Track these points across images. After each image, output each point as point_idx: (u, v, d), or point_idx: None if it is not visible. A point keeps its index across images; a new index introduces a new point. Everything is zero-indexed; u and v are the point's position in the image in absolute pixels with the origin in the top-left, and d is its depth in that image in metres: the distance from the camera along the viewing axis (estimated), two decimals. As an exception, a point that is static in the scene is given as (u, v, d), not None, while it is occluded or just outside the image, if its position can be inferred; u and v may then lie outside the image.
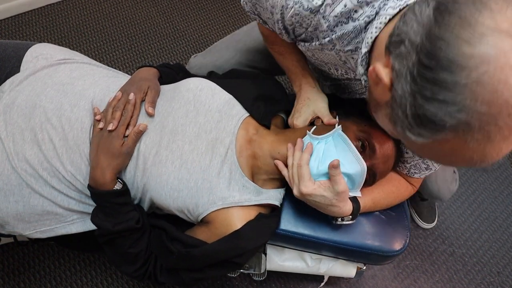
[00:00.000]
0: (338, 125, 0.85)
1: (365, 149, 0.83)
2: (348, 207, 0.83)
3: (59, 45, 1.13)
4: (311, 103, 0.94)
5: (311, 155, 0.82)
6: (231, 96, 0.95)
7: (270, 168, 0.90)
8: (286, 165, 0.86)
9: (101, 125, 0.85)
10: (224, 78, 1.07)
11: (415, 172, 0.94)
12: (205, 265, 0.85)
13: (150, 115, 0.89)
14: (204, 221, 0.87)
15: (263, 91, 0.99)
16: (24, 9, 2.02)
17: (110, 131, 0.84)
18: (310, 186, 0.79)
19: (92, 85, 0.93)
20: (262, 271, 1.16)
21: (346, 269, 1.09)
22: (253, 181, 0.89)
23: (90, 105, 0.89)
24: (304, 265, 1.09)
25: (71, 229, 0.90)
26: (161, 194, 0.85)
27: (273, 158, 0.89)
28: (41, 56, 0.99)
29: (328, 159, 0.78)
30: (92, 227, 0.89)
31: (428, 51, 0.48)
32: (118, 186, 0.84)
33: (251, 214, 0.87)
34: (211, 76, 1.11)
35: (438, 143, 0.52)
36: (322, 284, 1.33)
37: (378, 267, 1.49)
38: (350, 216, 0.85)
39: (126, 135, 0.85)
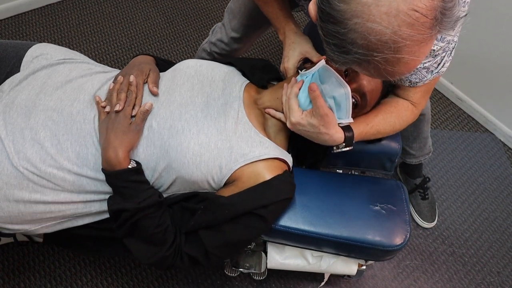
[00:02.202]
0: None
1: (349, 73, 0.89)
2: (338, 134, 0.86)
3: (59, 45, 1.14)
4: (297, 46, 1.01)
5: (300, 90, 0.88)
6: (230, 68, 1.03)
7: (275, 118, 0.96)
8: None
9: (107, 108, 0.86)
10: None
11: (416, 82, 0.92)
12: (231, 215, 0.85)
13: (155, 94, 0.91)
14: (230, 181, 0.88)
15: (257, 63, 1.09)
16: (24, 9, 2.02)
17: (117, 111, 0.85)
18: (298, 116, 0.85)
19: (90, 80, 0.95)
20: (263, 270, 1.16)
21: (347, 266, 1.09)
22: (267, 137, 0.93)
23: (90, 97, 0.91)
24: (305, 263, 1.09)
25: (78, 222, 0.90)
26: (183, 163, 0.85)
27: (272, 104, 0.96)
28: (41, 56, 1.00)
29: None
30: (98, 218, 0.89)
31: (320, 6, 0.60)
32: (132, 164, 0.84)
33: (276, 167, 0.90)
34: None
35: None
36: (322, 283, 1.33)
37: (378, 267, 1.49)
38: (344, 144, 0.88)
39: (133, 115, 0.87)
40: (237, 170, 0.86)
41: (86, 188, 0.86)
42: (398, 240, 0.94)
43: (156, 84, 0.93)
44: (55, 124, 0.86)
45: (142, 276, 1.39)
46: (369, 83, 0.91)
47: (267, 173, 0.87)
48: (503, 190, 1.74)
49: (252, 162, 0.87)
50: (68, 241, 0.97)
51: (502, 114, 1.86)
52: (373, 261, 1.20)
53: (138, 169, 0.84)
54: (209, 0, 2.23)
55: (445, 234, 1.60)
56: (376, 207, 0.98)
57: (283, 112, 0.92)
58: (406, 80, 0.92)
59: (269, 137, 0.95)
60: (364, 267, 1.12)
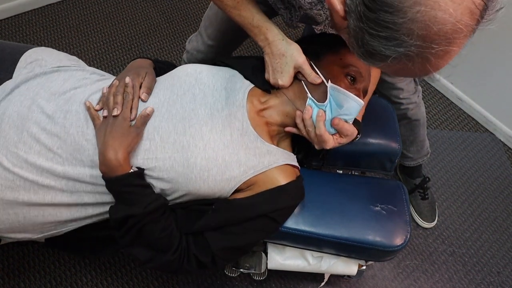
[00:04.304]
0: (327, 80, 0.91)
1: (355, 79, 0.93)
2: (355, 133, 0.93)
3: (59, 45, 1.13)
4: (288, 59, 0.92)
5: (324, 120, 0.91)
6: (231, 73, 0.99)
7: (282, 127, 0.96)
8: (294, 126, 0.94)
9: (105, 113, 0.84)
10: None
11: None
12: (245, 217, 0.85)
13: (143, 100, 0.88)
14: (244, 187, 0.87)
15: (256, 64, 1.02)
16: (24, 9, 2.02)
17: (115, 116, 0.83)
18: (332, 143, 0.91)
19: (83, 92, 0.92)
20: (263, 270, 1.16)
21: (348, 267, 1.10)
22: (274, 144, 0.93)
23: (83, 107, 0.88)
24: (306, 263, 1.09)
25: (77, 224, 0.89)
26: (190, 178, 0.83)
27: (283, 120, 0.95)
28: (35, 62, 0.97)
29: (336, 114, 0.90)
30: (97, 219, 0.88)
31: None
32: (134, 168, 0.82)
33: (290, 172, 0.91)
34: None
35: (388, 65, 0.60)
36: (322, 284, 1.33)
37: (378, 267, 1.49)
38: (358, 136, 0.95)
39: (132, 119, 0.85)
40: (252, 177, 0.86)
41: (84, 199, 0.85)
42: (398, 241, 0.94)
43: (149, 90, 0.91)
44: (50, 137, 0.84)
45: (142, 276, 1.39)
46: (369, 79, 0.97)
47: (282, 179, 0.87)
48: (503, 190, 1.74)
49: (264, 172, 0.86)
50: (68, 243, 0.96)
51: (502, 114, 1.86)
52: (373, 262, 1.20)
53: (141, 173, 0.82)
54: (209, 1, 2.22)
55: (445, 234, 1.60)
56: (377, 208, 0.98)
57: (296, 127, 0.94)
58: None
59: (274, 143, 0.94)
60: (364, 267, 1.12)
